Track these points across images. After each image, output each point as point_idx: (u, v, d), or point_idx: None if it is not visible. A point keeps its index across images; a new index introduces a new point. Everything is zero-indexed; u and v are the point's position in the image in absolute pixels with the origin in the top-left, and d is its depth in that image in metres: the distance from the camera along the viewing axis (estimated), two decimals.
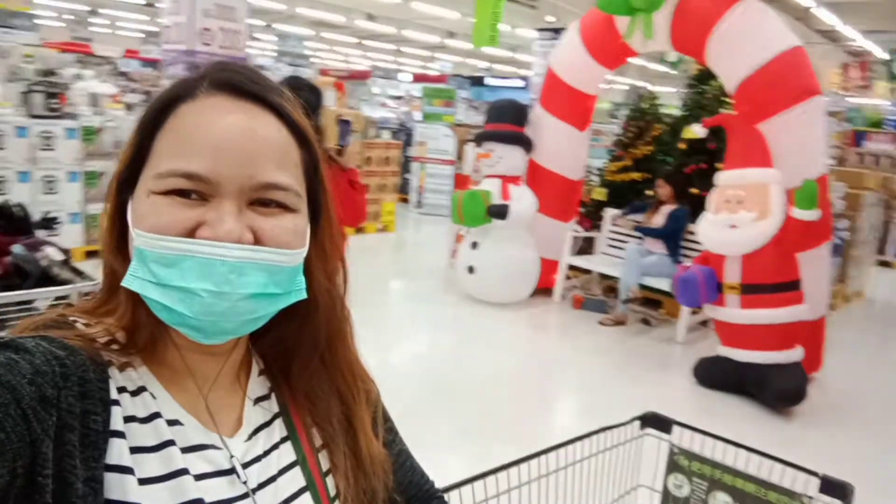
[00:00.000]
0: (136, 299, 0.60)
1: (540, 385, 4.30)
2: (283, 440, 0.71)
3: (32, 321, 0.61)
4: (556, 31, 10.47)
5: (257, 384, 0.73)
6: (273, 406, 0.73)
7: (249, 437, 0.68)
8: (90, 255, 5.99)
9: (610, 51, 5.42)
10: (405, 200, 10.97)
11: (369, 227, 8.67)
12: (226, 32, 8.65)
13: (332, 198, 0.71)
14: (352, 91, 17.29)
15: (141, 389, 0.62)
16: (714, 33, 4.41)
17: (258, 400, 0.72)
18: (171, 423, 0.62)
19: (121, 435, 0.58)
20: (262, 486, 0.66)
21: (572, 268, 6.19)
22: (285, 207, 0.62)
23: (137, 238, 0.58)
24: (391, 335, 5.11)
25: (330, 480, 0.72)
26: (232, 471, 0.64)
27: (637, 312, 5.78)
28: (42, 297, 2.33)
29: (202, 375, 0.66)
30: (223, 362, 0.68)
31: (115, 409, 0.58)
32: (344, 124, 3.05)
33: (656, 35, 4.80)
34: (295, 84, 2.81)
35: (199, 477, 0.61)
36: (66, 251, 2.56)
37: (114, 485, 0.55)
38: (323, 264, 0.70)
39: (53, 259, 2.41)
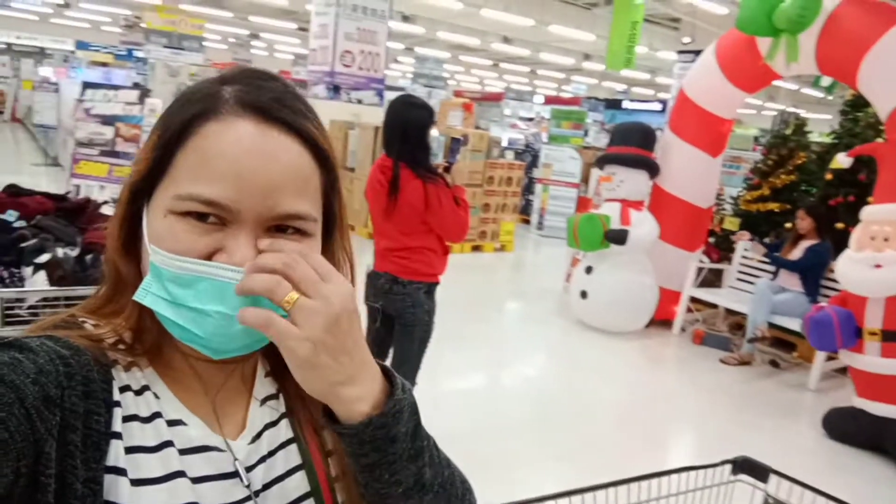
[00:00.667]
0: (142, 307, 0.60)
1: (647, 420, 4.09)
2: (289, 442, 0.70)
3: (43, 322, 0.61)
4: (698, 54, 10.07)
5: (265, 384, 0.72)
6: (281, 406, 0.71)
7: (253, 440, 0.67)
8: None
9: (749, 73, 5.12)
10: (527, 221, 10.94)
11: (487, 246, 8.72)
12: (365, 55, 9.15)
13: (345, 208, 0.70)
14: (483, 112, 17.59)
15: (145, 388, 0.62)
16: (867, 56, 4.04)
17: (266, 399, 0.71)
18: (174, 423, 0.62)
19: (118, 436, 0.58)
20: (266, 487, 0.66)
21: (695, 300, 5.86)
22: (302, 233, 0.61)
23: (154, 255, 0.58)
24: (501, 353, 5.09)
25: (340, 487, 0.70)
26: (235, 473, 0.64)
27: (765, 353, 5.35)
28: None
29: (210, 381, 0.67)
30: (230, 369, 0.68)
31: (116, 410, 0.58)
32: (455, 142, 3.09)
33: (802, 58, 4.47)
34: (411, 101, 2.90)
35: (198, 479, 0.61)
36: None
37: (107, 486, 0.55)
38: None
39: None
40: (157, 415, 0.61)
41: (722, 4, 11.09)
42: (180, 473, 0.59)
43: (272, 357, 0.73)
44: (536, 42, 18.19)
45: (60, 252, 2.48)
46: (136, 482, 0.57)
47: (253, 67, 0.65)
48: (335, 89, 9.04)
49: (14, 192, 3.01)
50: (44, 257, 2.45)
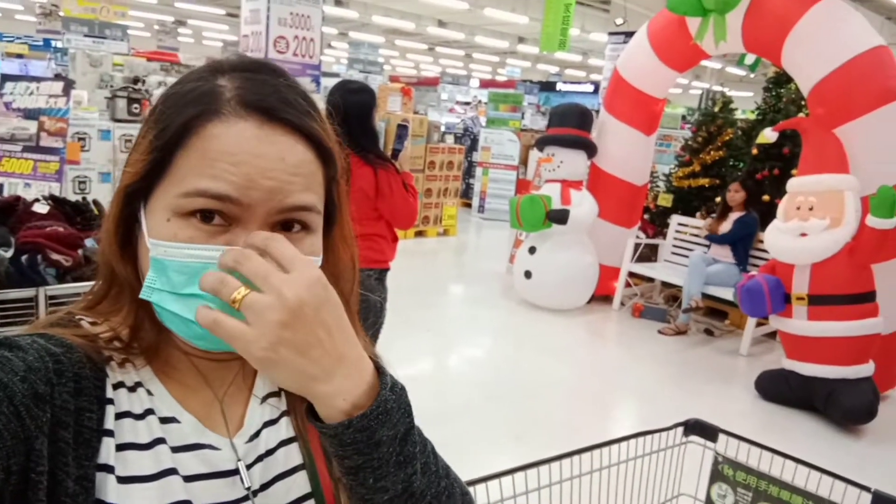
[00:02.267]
0: (139, 300, 0.59)
1: (594, 393, 4.23)
2: (291, 440, 0.69)
3: (40, 321, 0.61)
4: (629, 35, 10.29)
5: (266, 382, 0.71)
6: (283, 404, 0.71)
7: (251, 438, 0.66)
8: None
9: (680, 53, 5.30)
10: (468, 205, 11.01)
11: (430, 230, 8.75)
12: (300, 41, 8.96)
13: (347, 201, 0.71)
14: (421, 97, 17.53)
15: (138, 385, 0.61)
16: (791, 34, 4.24)
17: (267, 397, 0.70)
18: (166, 420, 0.61)
19: (111, 433, 0.57)
20: (265, 486, 0.65)
21: (633, 275, 6.06)
22: (307, 228, 0.61)
23: (156, 248, 0.56)
24: (448, 337, 5.14)
25: (343, 487, 0.68)
26: (231, 472, 0.63)
27: (700, 323, 5.59)
28: None
29: (215, 378, 0.66)
30: (236, 368, 0.68)
31: (108, 408, 0.57)
32: (402, 128, 3.09)
33: (729, 37, 4.65)
34: (350, 87, 2.87)
35: (191, 478, 0.60)
36: None
37: (97, 484, 0.55)
38: (332, 269, 0.68)
39: None
40: (149, 411, 0.60)
41: None
42: (172, 471, 0.59)
43: None
44: (471, 25, 18.21)
45: None
46: (125, 479, 0.56)
47: (251, 58, 0.63)
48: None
49: None
50: None
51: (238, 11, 9.41)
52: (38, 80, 5.55)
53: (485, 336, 5.31)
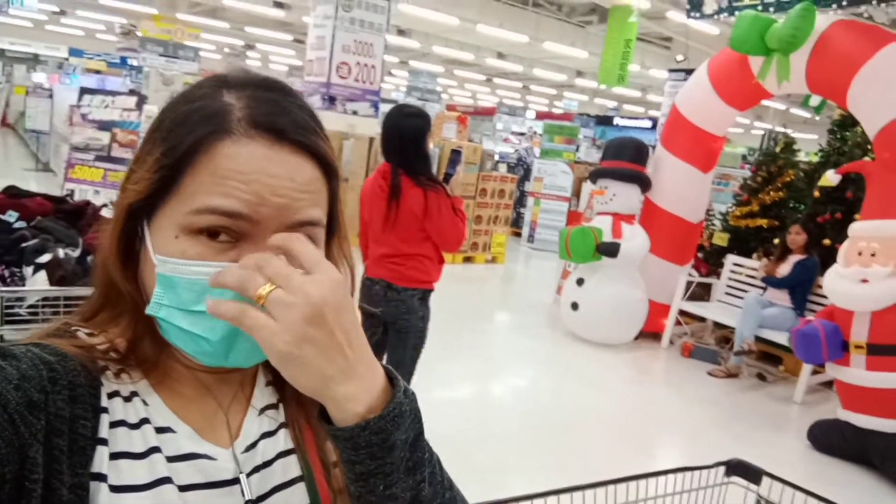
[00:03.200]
0: (139, 314, 0.60)
1: (637, 430, 4.13)
2: (289, 452, 0.69)
3: (37, 331, 0.61)
4: (689, 72, 10.23)
5: (265, 394, 0.71)
6: (280, 416, 0.71)
7: (247, 449, 0.66)
8: None
9: (741, 92, 5.23)
10: (518, 234, 11.01)
11: (478, 257, 8.77)
12: (361, 67, 9.23)
13: (342, 212, 0.70)
14: (476, 126, 17.73)
15: (133, 395, 0.61)
16: (858, 76, 4.14)
17: (265, 409, 0.70)
18: (161, 430, 0.61)
19: (105, 442, 0.57)
20: (261, 498, 0.65)
21: (684, 314, 5.93)
22: (311, 241, 0.60)
23: (163, 265, 0.57)
24: (492, 364, 5.12)
25: (343, 500, 0.69)
26: (228, 482, 0.63)
27: (752, 367, 5.41)
28: None
29: (218, 389, 0.66)
30: (238, 380, 0.68)
31: (103, 416, 0.57)
32: (455, 154, 3.14)
33: (793, 77, 4.57)
34: (406, 111, 2.94)
35: (186, 487, 0.60)
36: None
37: (90, 492, 0.55)
38: None
39: None
40: (145, 420, 0.60)
41: (714, 25, 11.29)
42: (167, 480, 0.59)
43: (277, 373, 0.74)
44: (530, 58, 18.38)
45: (62, 252, 2.49)
46: (117, 488, 0.56)
47: (259, 75, 0.64)
48: (330, 100, 9.10)
49: (14, 193, 3.01)
50: (45, 257, 2.47)
51: (304, 38, 9.76)
52: (113, 94, 5.86)
53: (528, 365, 5.27)
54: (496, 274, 8.68)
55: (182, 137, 0.58)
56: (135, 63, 14.41)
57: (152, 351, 0.62)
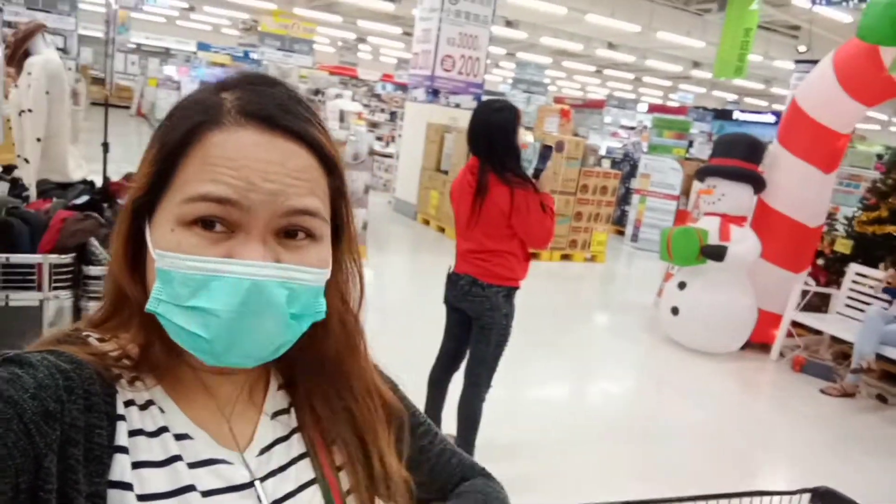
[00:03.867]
0: (149, 319, 0.59)
1: (735, 447, 3.89)
2: (302, 456, 0.69)
3: (47, 336, 0.61)
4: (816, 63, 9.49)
5: (276, 399, 0.71)
6: (292, 421, 0.71)
7: (262, 452, 0.67)
8: None
9: (869, 85, 4.77)
10: (621, 233, 10.67)
11: (577, 255, 8.57)
12: (466, 60, 9.25)
13: (353, 217, 0.69)
14: (583, 119, 17.32)
15: (149, 403, 0.61)
16: None
17: (276, 414, 0.70)
18: (180, 437, 0.61)
19: (124, 450, 0.57)
20: (276, 502, 0.65)
21: (797, 325, 5.51)
22: (311, 236, 0.61)
23: (162, 259, 0.56)
24: (583, 365, 5.00)
25: (352, 501, 0.70)
26: (245, 486, 0.63)
27: (871, 387, 4.95)
28: None
29: (221, 395, 0.66)
30: (242, 383, 0.68)
31: (120, 424, 0.57)
32: (546, 149, 3.07)
33: None
34: (494, 106, 2.90)
35: (208, 493, 0.60)
36: None
37: (114, 501, 0.55)
38: (340, 285, 0.69)
39: None
40: (163, 429, 0.60)
41: (845, 12, 10.38)
42: (190, 488, 0.59)
43: (286, 369, 0.72)
44: (643, 48, 17.70)
45: None
46: (143, 497, 0.56)
47: (254, 72, 0.64)
48: (434, 93, 9.18)
49: (130, 178, 3.25)
50: None
51: (413, 30, 9.89)
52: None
53: (622, 369, 5.10)
54: (595, 273, 8.46)
55: (175, 130, 0.59)
56: (255, 57, 15.21)
57: (163, 356, 0.62)
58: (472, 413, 2.94)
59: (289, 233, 0.59)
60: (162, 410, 0.61)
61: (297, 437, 0.70)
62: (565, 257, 8.50)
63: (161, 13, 19.30)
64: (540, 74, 16.08)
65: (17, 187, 2.85)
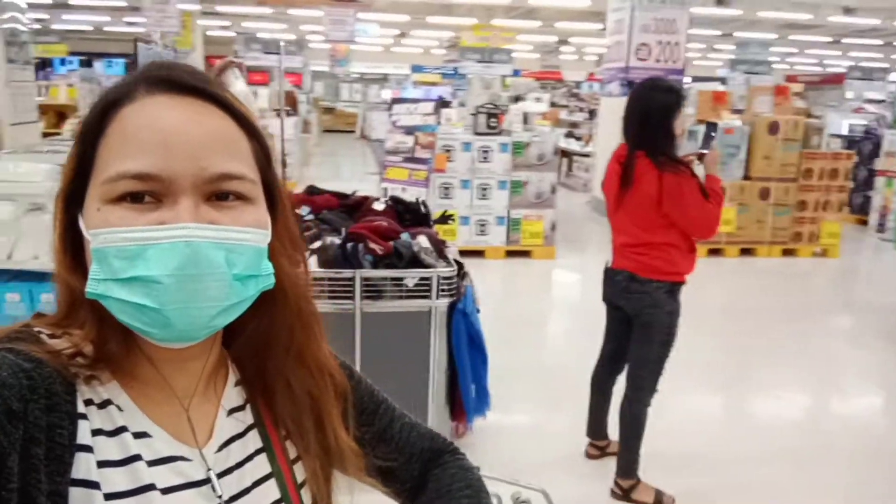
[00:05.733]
0: (101, 314, 0.59)
1: None
2: (258, 452, 0.70)
3: (2, 330, 0.61)
4: None
5: (233, 394, 0.71)
6: (248, 417, 0.71)
7: (220, 449, 0.67)
8: (510, 254, 6.78)
9: None
10: (863, 222, 9.20)
11: (801, 249, 7.55)
12: (663, 46, 8.70)
13: (285, 190, 0.69)
14: (819, 97, 15.28)
15: (107, 402, 0.61)
16: None
17: (232, 411, 0.70)
18: (139, 435, 0.61)
19: (88, 449, 0.57)
20: (234, 498, 0.66)
21: None
22: (243, 199, 0.60)
23: (95, 239, 0.56)
24: (810, 378, 4.40)
25: (305, 493, 0.71)
26: (203, 482, 0.64)
27: None
28: (409, 275, 2.78)
29: (179, 387, 0.65)
30: (199, 372, 0.67)
31: (82, 423, 0.57)
32: (710, 127, 2.77)
33: None
34: (659, 85, 2.68)
35: (167, 490, 0.61)
36: (439, 241, 3.00)
37: (80, 500, 0.55)
38: (285, 251, 0.68)
39: (423, 246, 2.84)
40: (122, 429, 0.60)
41: None
42: (150, 486, 0.59)
43: (244, 363, 0.72)
44: (889, 8, 15.14)
45: (329, 240, 2.87)
46: (108, 496, 0.57)
47: (164, 60, 0.65)
48: (629, 85, 8.77)
49: (311, 191, 3.58)
50: (317, 244, 2.87)
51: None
52: (416, 101, 6.55)
53: (854, 381, 4.39)
54: (825, 269, 7.38)
55: (92, 114, 0.60)
56: (461, 72, 15.88)
57: (119, 350, 0.62)
58: (634, 419, 2.74)
59: (220, 196, 0.59)
60: (120, 409, 0.61)
61: (252, 433, 0.70)
62: (787, 252, 7.54)
63: (378, 43, 21.09)
64: (764, 52, 14.52)
65: None
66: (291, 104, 13.86)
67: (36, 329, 0.61)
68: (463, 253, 7.05)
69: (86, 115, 0.61)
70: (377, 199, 3.46)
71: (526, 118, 7.07)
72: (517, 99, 13.13)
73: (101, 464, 0.57)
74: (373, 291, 2.79)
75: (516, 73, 19.14)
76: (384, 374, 3.19)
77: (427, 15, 15.76)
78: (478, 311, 3.37)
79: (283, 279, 0.65)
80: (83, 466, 0.56)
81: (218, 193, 0.58)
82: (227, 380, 0.71)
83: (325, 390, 0.73)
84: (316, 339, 0.72)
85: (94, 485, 0.56)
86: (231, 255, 0.57)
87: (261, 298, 0.63)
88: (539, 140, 6.59)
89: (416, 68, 23.57)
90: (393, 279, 2.79)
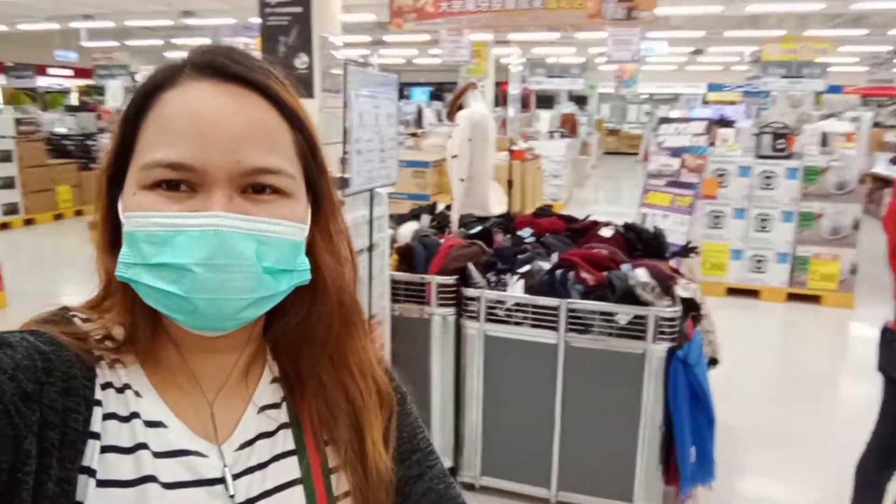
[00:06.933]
0: (133, 297, 0.58)
1: None
2: (288, 454, 0.64)
3: (34, 317, 0.61)
4: None
5: (268, 391, 0.67)
6: (281, 416, 0.66)
7: (242, 447, 0.62)
8: (792, 298, 5.80)
9: None
10: None
11: None
12: None
13: (332, 182, 0.65)
14: None
15: (126, 387, 0.59)
16: None
17: (265, 408, 0.66)
18: (152, 424, 0.59)
19: (96, 436, 0.56)
20: (252, 501, 0.61)
21: None
22: (280, 192, 0.58)
23: (127, 222, 0.56)
24: None
25: None
26: (216, 481, 0.60)
27: None
28: (621, 311, 2.48)
29: (206, 379, 0.63)
30: (230, 366, 0.64)
31: (96, 410, 0.56)
32: None
33: None
34: None
35: (171, 485, 0.57)
36: (667, 276, 2.63)
37: (79, 486, 0.54)
38: (329, 247, 0.65)
39: (641, 280, 2.51)
40: (135, 415, 0.58)
41: None
42: (150, 478, 0.57)
43: (279, 357, 0.68)
44: None
45: (538, 264, 2.72)
46: (104, 483, 0.55)
47: (214, 44, 0.62)
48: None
49: (538, 213, 3.46)
50: (525, 268, 2.74)
51: None
52: (686, 120, 5.99)
53: None
54: None
55: (136, 97, 0.59)
56: (763, 89, 14.30)
57: (148, 335, 0.61)
58: None
59: (256, 189, 0.57)
60: (138, 394, 0.59)
61: (283, 433, 0.65)
62: None
63: (670, 61, 20.09)
64: None
65: (443, 220, 3.36)
66: (570, 127, 13.92)
67: (71, 313, 0.62)
68: (732, 291, 6.34)
69: (129, 100, 0.61)
70: (606, 225, 3.20)
71: (825, 139, 6.00)
72: (826, 117, 11.34)
73: (110, 449, 0.56)
74: (579, 324, 2.56)
75: (835, 88, 16.67)
76: (587, 416, 2.95)
77: (726, 29, 14.54)
78: (712, 363, 2.90)
79: (324, 272, 0.64)
80: (88, 453, 0.55)
81: (254, 186, 0.57)
82: (262, 375, 0.67)
83: (367, 397, 0.69)
84: (358, 339, 0.69)
85: (91, 472, 0.55)
86: (262, 248, 0.56)
87: (301, 291, 0.62)
88: (840, 165, 5.54)
89: (714, 87, 21.90)
90: (603, 314, 2.52)
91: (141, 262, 0.55)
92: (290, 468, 0.64)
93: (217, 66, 0.58)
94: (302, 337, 0.66)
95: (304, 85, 7.32)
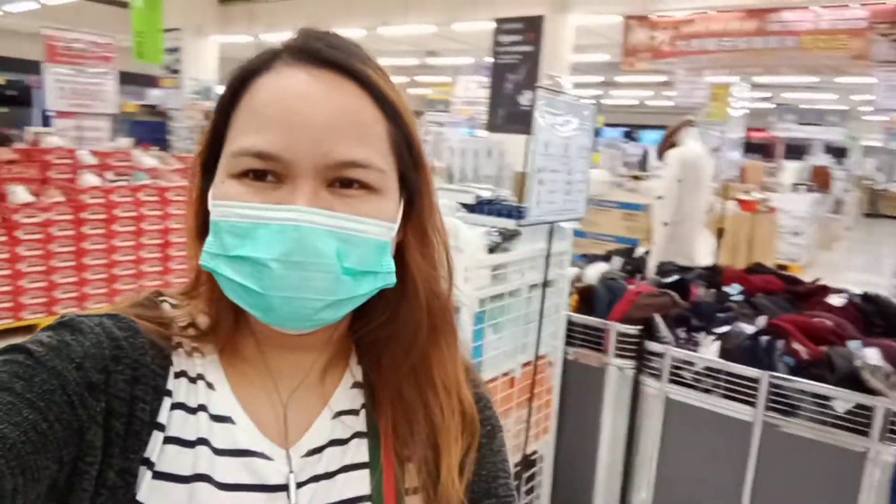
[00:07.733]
0: (218, 286, 0.57)
1: None
2: (358, 466, 0.60)
3: (125, 299, 0.61)
4: None
5: (346, 396, 0.63)
6: (357, 424, 0.62)
7: (311, 453, 0.59)
8: None
9: None
10: None
11: None
12: None
13: (431, 178, 0.61)
14: None
15: (199, 377, 0.58)
16: None
17: (340, 413, 0.62)
18: (219, 419, 0.57)
19: (161, 427, 0.55)
20: None
21: None
22: (368, 188, 0.55)
23: (213, 210, 0.55)
24: None
25: None
26: (279, 487, 0.56)
27: None
28: (839, 396, 2.04)
29: (283, 377, 0.60)
30: (309, 366, 0.61)
31: (165, 400, 0.55)
32: None
33: None
34: None
35: (227, 486, 0.55)
36: None
37: (139, 477, 0.53)
38: (422, 248, 0.61)
39: (871, 363, 2.05)
40: (202, 407, 0.57)
41: None
42: (204, 477, 0.54)
43: (369, 361, 0.64)
44: None
45: (740, 326, 2.38)
46: (160, 475, 0.53)
47: (311, 28, 0.59)
48: None
49: (752, 269, 3.04)
50: (724, 328, 2.42)
51: None
52: None
53: None
54: None
55: (231, 82, 0.58)
56: None
57: (228, 327, 0.60)
58: None
59: (343, 183, 0.55)
60: (210, 386, 0.58)
61: (356, 442, 0.61)
62: None
63: None
64: None
65: (639, 265, 3.09)
66: (823, 181, 12.32)
67: (161, 297, 0.62)
68: None
69: (227, 81, 0.60)
70: (838, 292, 2.70)
71: None
72: None
73: (173, 440, 0.54)
74: (783, 404, 2.16)
75: None
76: None
77: None
78: None
79: (415, 273, 0.61)
80: (152, 444, 0.54)
81: (341, 180, 0.54)
82: (343, 379, 0.64)
83: (449, 416, 0.63)
84: (446, 351, 0.64)
85: (149, 463, 0.53)
86: (344, 247, 0.53)
87: (388, 292, 0.59)
88: None
89: None
90: (815, 396, 2.10)
91: (223, 252, 0.53)
92: (359, 482, 0.59)
93: (312, 51, 0.55)
94: (385, 341, 0.63)
95: (524, 121, 7.43)
